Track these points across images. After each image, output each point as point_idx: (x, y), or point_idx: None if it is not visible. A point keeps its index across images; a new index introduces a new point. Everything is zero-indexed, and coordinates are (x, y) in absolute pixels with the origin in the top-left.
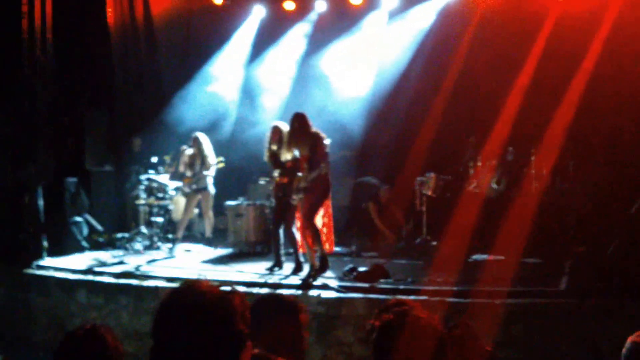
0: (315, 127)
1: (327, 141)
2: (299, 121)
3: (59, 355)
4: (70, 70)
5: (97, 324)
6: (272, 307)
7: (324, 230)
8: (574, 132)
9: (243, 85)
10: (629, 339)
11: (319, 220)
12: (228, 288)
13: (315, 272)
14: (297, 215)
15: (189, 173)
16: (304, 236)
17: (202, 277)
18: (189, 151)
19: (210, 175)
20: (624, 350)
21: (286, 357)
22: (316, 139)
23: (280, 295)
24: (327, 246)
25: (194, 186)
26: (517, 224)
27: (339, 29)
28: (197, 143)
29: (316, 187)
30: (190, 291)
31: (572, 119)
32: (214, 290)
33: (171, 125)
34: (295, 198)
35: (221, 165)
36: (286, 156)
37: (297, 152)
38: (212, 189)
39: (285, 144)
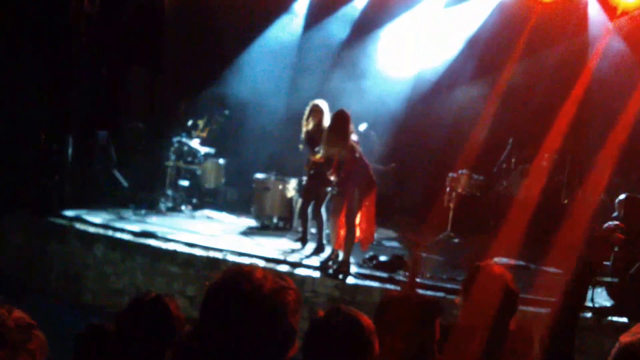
0: (353, 135)
1: (358, 148)
2: (344, 120)
3: (122, 319)
4: (116, 24)
5: (162, 293)
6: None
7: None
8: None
9: (294, 60)
10: (622, 339)
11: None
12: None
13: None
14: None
15: None
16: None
17: (256, 265)
18: None
19: None
20: (613, 351)
21: None
22: (351, 151)
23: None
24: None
25: None
26: (543, 231)
27: (393, 9)
28: None
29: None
30: (242, 280)
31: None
32: (266, 283)
33: (218, 94)
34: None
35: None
36: (323, 153)
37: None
38: None
39: (324, 140)
